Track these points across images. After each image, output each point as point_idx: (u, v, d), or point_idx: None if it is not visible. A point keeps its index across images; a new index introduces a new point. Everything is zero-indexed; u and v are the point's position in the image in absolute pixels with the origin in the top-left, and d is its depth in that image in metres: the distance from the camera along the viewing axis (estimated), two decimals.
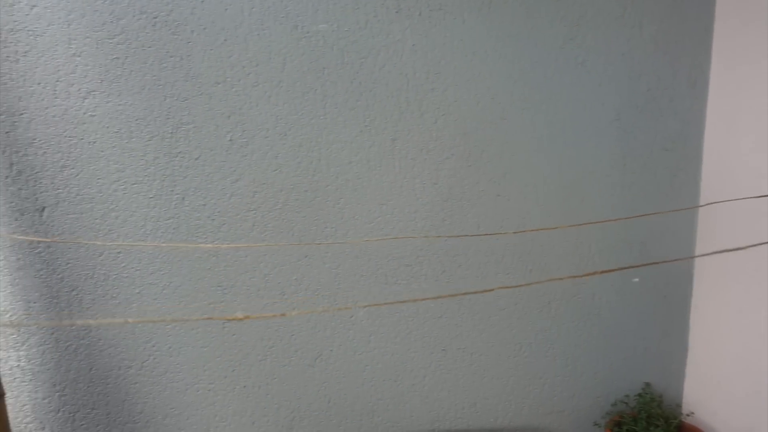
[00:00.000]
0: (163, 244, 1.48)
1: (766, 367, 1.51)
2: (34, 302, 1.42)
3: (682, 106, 1.72)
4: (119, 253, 1.45)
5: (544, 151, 1.66)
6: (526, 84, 1.62)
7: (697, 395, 1.82)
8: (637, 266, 1.76)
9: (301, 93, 1.49)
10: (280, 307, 1.55)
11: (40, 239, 1.38)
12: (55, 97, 1.35)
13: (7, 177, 1.35)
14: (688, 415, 1.80)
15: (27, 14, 1.31)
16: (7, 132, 1.33)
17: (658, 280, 1.80)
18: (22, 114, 1.34)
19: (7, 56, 1.31)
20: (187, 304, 1.51)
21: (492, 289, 1.59)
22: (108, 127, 1.39)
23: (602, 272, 1.65)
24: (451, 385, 1.72)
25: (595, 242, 1.72)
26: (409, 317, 1.66)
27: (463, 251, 1.65)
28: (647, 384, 1.83)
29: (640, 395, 1.79)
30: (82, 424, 1.49)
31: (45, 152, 1.36)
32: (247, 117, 1.47)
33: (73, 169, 1.38)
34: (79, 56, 1.35)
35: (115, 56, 1.37)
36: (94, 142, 1.39)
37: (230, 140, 1.47)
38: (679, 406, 1.87)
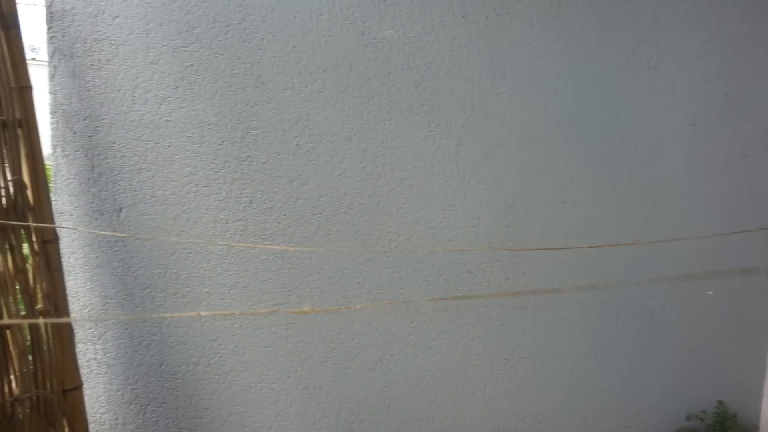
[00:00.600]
0: (234, 244, 1.54)
1: None
2: (111, 298, 1.50)
3: (762, 112, 1.65)
4: (190, 253, 1.52)
5: (613, 157, 1.63)
6: (595, 88, 1.59)
7: None
8: (709, 291, 1.70)
9: (367, 98, 1.52)
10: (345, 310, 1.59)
11: (118, 234, 1.46)
12: (134, 103, 1.43)
13: (88, 179, 1.43)
14: None
15: (110, 24, 1.39)
16: (90, 136, 1.42)
17: (734, 293, 1.73)
18: (103, 119, 1.42)
19: (91, 65, 1.40)
20: (253, 304, 1.56)
21: (564, 290, 1.57)
22: (182, 131, 1.46)
23: (675, 279, 1.61)
24: (513, 394, 1.71)
25: (667, 252, 1.68)
26: (470, 324, 1.66)
27: (527, 259, 1.64)
28: (720, 402, 1.76)
29: (712, 413, 1.73)
30: (152, 417, 1.57)
31: (123, 155, 1.44)
32: (313, 122, 1.51)
33: (149, 171, 1.46)
34: (156, 64, 1.42)
35: (189, 63, 1.43)
36: (169, 146, 1.46)
37: (297, 145, 1.51)
38: (756, 427, 1.79)
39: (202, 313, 1.50)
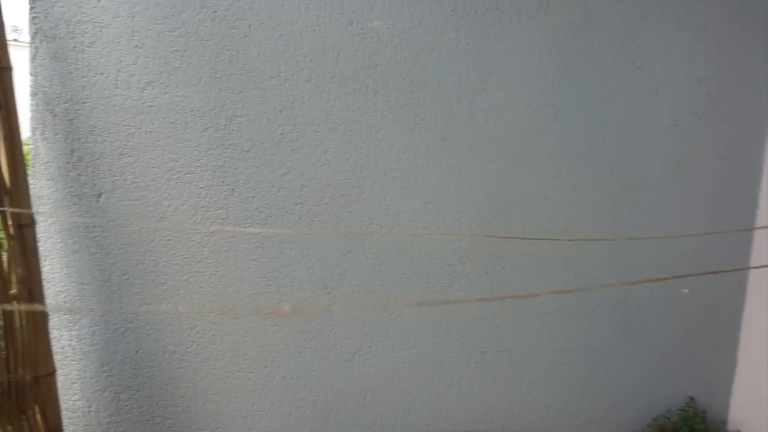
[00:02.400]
0: (215, 227, 1.58)
1: None
2: (87, 284, 1.53)
3: (743, 114, 1.74)
4: (169, 240, 1.55)
5: (595, 155, 1.70)
6: (580, 86, 1.66)
7: (743, 412, 1.85)
8: (687, 276, 1.79)
9: (353, 89, 1.56)
10: (323, 300, 1.64)
11: (95, 221, 1.49)
12: (116, 87, 1.45)
13: (68, 163, 1.45)
14: None
15: (94, 6, 1.40)
16: (70, 119, 1.44)
17: (708, 291, 1.82)
18: (84, 103, 1.44)
19: (74, 47, 1.41)
20: (232, 293, 1.60)
21: (538, 294, 1.65)
22: (165, 117, 1.48)
23: (653, 280, 1.69)
24: (489, 387, 1.78)
25: (645, 250, 1.76)
26: (449, 317, 1.72)
27: (508, 253, 1.71)
28: (691, 398, 1.86)
29: (683, 409, 1.83)
30: (126, 405, 1.61)
31: (104, 140, 1.46)
32: (298, 112, 1.55)
33: (130, 157, 1.48)
34: (140, 48, 1.44)
35: (174, 49, 1.46)
36: (151, 132, 1.48)
37: (281, 134, 1.55)
38: (724, 422, 1.89)
39: (180, 309, 1.54)
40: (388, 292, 1.67)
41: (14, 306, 1.36)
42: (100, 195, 1.49)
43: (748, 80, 1.72)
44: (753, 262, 1.81)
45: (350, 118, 1.58)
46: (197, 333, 1.61)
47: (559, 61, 1.63)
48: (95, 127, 1.45)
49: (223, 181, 1.54)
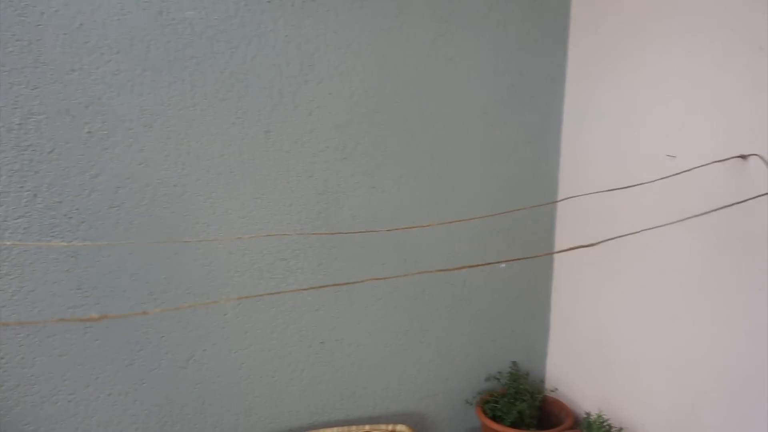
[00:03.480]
0: (8, 243, 1.44)
1: (615, 342, 1.78)
2: None
3: (542, 102, 1.95)
4: None
5: (416, 144, 1.80)
6: (398, 78, 1.75)
7: (558, 371, 2.09)
8: (502, 263, 1.97)
9: (168, 83, 1.50)
10: (149, 307, 1.57)
11: None
12: None
13: None
14: (551, 390, 2.06)
15: None
16: None
17: (523, 265, 2.02)
18: None
19: None
20: (42, 309, 1.47)
21: (363, 281, 1.72)
22: None
23: (470, 267, 1.84)
24: (330, 376, 1.83)
25: (465, 231, 1.91)
26: (285, 311, 1.74)
27: (339, 243, 1.76)
28: (514, 363, 2.07)
29: (507, 374, 2.02)
30: None
31: None
32: (107, 107, 1.45)
33: None
34: None
35: None
36: None
37: (89, 132, 1.45)
38: (542, 381, 2.13)
39: None
40: (221, 292, 1.65)
41: None
42: None
43: (544, 72, 1.93)
44: (557, 233, 2.04)
45: (167, 114, 1.51)
46: (2, 358, 1.46)
47: (376, 54, 1.70)
48: None
49: (21, 187, 1.41)
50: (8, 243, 1.43)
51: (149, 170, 1.52)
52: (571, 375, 2.01)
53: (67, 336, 1.51)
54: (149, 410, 1.63)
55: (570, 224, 1.99)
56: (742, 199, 1.27)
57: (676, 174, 1.43)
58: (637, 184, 1.51)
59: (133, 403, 1.61)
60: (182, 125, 1.53)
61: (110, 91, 1.45)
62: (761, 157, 1.28)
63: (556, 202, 2.00)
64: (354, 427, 1.81)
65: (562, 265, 2.04)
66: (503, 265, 2.00)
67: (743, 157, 1.32)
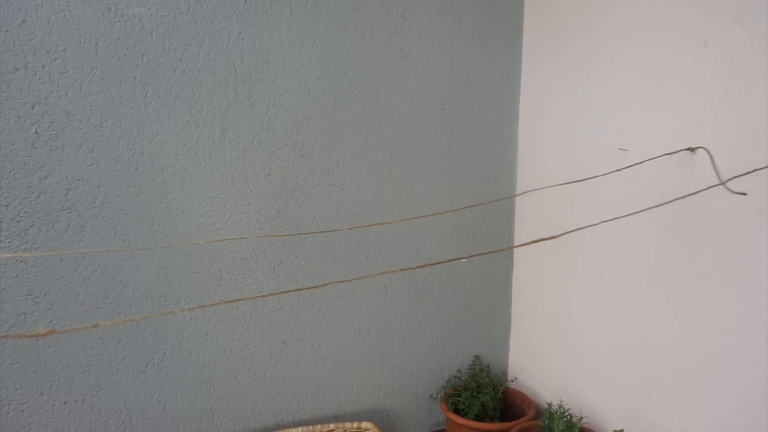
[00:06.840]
0: None
1: (574, 332, 1.79)
2: None
3: (498, 97, 1.95)
4: None
5: (375, 140, 1.78)
6: (355, 75, 1.72)
7: (519, 362, 2.09)
8: (463, 258, 1.97)
9: (118, 81, 1.45)
10: (104, 312, 1.51)
11: None
12: None
13: None
14: (512, 381, 2.07)
15: None
16: None
17: (483, 259, 2.02)
18: None
19: None
20: None
21: (325, 284, 1.69)
22: None
23: (431, 264, 1.83)
24: (293, 376, 1.80)
25: (426, 227, 1.90)
26: (246, 312, 1.70)
27: (300, 242, 1.73)
28: (477, 356, 2.07)
29: (470, 368, 2.02)
30: None
31: None
32: (54, 107, 1.39)
33: None
34: None
35: None
36: None
37: (35, 133, 1.39)
38: (504, 373, 2.13)
39: None
40: (179, 294, 1.60)
41: None
42: None
43: (500, 68, 1.93)
44: (516, 227, 2.05)
45: (118, 113, 1.46)
46: None
47: (332, 51, 1.68)
48: None
49: None
50: None
51: (101, 171, 1.46)
52: (533, 366, 2.02)
53: (18, 343, 1.45)
54: (107, 417, 1.57)
55: (528, 218, 1.99)
56: (692, 192, 1.29)
57: (629, 167, 1.45)
58: (591, 177, 1.52)
59: (91, 411, 1.55)
60: (134, 125, 1.48)
61: (57, 90, 1.39)
62: (707, 150, 1.30)
63: (515, 196, 2.01)
64: (319, 426, 1.78)
65: (521, 258, 2.05)
66: (464, 259, 2.00)
67: (691, 149, 1.34)
